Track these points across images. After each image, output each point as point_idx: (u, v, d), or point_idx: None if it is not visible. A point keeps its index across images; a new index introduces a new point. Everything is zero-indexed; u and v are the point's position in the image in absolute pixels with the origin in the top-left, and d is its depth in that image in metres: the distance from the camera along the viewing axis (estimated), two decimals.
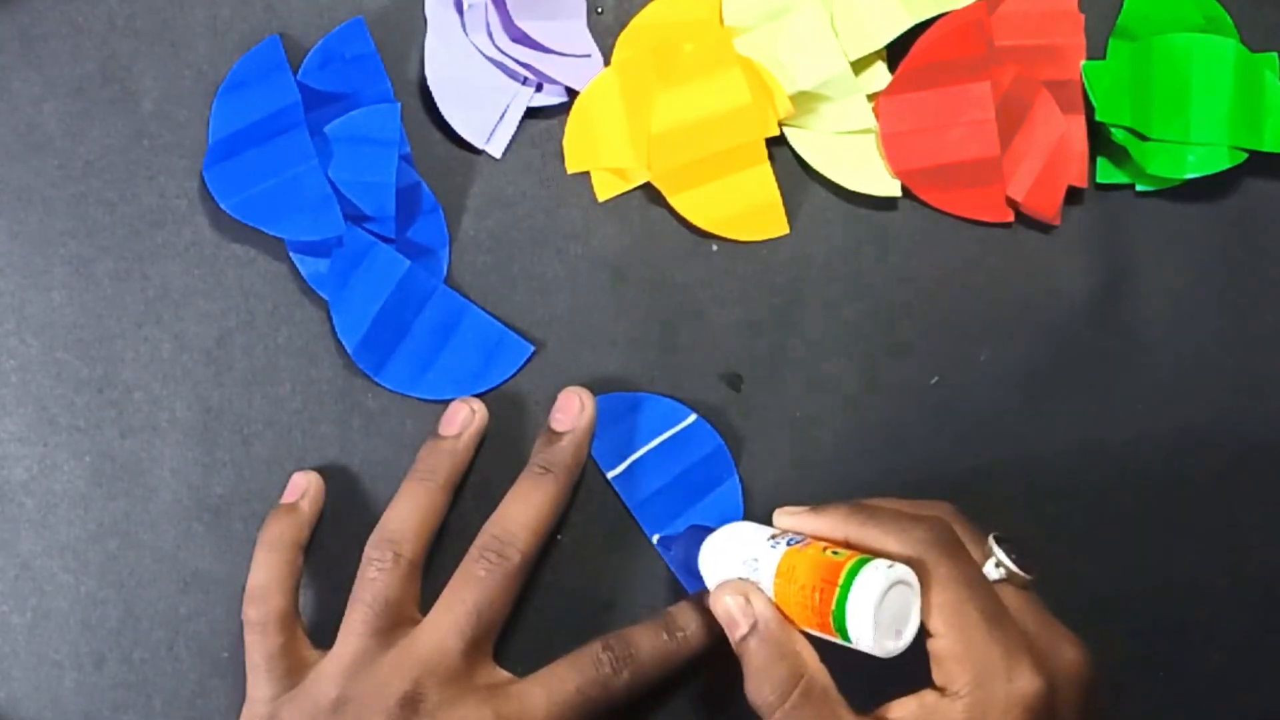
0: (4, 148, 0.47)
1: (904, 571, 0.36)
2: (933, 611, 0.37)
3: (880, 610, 0.36)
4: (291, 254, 0.47)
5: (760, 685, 0.38)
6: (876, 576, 0.36)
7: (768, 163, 0.48)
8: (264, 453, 0.47)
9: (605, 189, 0.48)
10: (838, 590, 0.36)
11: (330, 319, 0.47)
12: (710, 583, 0.41)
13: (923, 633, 0.37)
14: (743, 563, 0.40)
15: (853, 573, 0.36)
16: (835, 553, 0.38)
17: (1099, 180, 0.49)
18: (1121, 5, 0.50)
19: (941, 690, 0.37)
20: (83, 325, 0.47)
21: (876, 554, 0.38)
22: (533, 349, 0.47)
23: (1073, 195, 0.49)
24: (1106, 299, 0.49)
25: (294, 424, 0.47)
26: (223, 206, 0.45)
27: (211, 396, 0.47)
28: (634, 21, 0.49)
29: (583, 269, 0.48)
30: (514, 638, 0.46)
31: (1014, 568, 0.39)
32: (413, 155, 0.48)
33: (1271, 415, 0.49)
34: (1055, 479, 0.49)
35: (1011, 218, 0.49)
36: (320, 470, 0.47)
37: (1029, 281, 0.49)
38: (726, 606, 0.39)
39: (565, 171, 0.48)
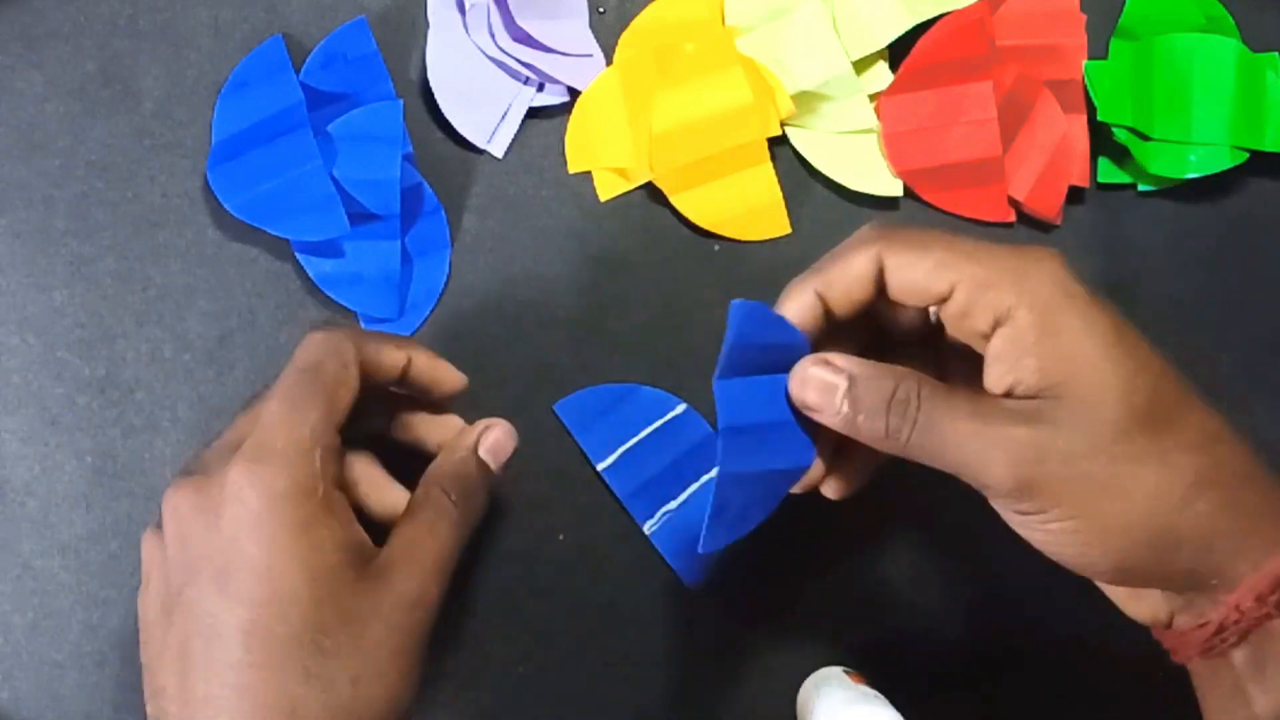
0: (6, 147, 0.47)
1: None
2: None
3: None
4: (298, 255, 0.47)
5: (877, 422, 0.35)
6: None
7: (769, 162, 0.48)
8: None
9: (607, 189, 0.48)
10: None
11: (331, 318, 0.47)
12: None
13: None
14: None
15: None
16: None
17: (1100, 180, 0.50)
18: (1123, 5, 0.50)
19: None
20: (84, 325, 0.47)
21: (989, 294, 0.35)
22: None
23: (1074, 195, 0.49)
24: (1106, 299, 0.49)
25: None
26: (227, 207, 0.45)
27: (213, 396, 0.47)
28: (635, 21, 0.49)
29: (584, 269, 0.48)
30: (514, 638, 0.46)
31: None
32: (415, 155, 0.48)
33: (1271, 415, 0.49)
34: None
35: (1013, 217, 0.49)
36: None
37: None
38: (817, 378, 0.36)
39: (567, 171, 0.48)
